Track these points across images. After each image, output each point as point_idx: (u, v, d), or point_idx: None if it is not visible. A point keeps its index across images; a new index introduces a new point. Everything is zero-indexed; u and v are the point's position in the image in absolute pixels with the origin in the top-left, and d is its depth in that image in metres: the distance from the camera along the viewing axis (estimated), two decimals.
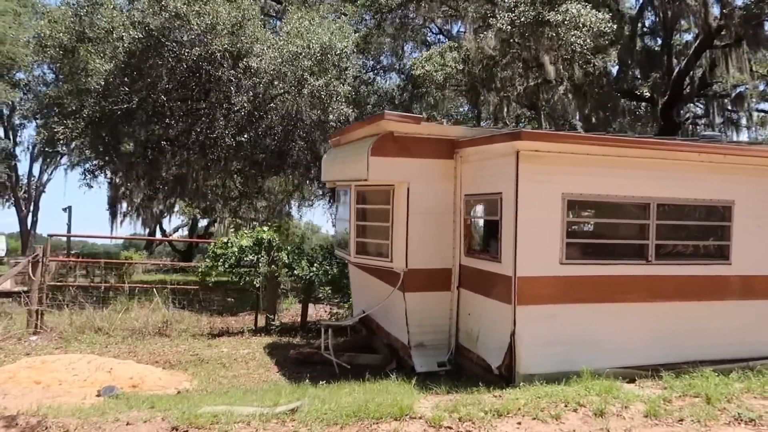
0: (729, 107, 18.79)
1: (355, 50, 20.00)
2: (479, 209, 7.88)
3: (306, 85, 16.67)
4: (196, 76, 17.83)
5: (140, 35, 16.09)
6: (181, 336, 11.39)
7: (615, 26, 13.82)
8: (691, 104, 22.10)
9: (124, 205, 27.75)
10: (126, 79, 17.29)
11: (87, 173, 18.67)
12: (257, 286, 11.81)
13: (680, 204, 7.32)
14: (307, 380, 7.63)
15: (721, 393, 6.15)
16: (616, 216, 7.33)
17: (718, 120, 21.28)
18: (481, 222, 8.05)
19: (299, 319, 12.50)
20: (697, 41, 18.47)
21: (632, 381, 6.75)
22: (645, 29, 18.82)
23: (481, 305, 7.40)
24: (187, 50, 16.58)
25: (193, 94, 18.09)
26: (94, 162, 18.47)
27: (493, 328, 7.04)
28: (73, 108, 17.34)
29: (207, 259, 12.12)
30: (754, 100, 18.82)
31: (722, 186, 7.42)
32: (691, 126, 21.42)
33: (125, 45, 16.24)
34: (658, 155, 7.03)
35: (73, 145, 18.54)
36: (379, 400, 5.53)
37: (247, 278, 11.82)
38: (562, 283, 6.77)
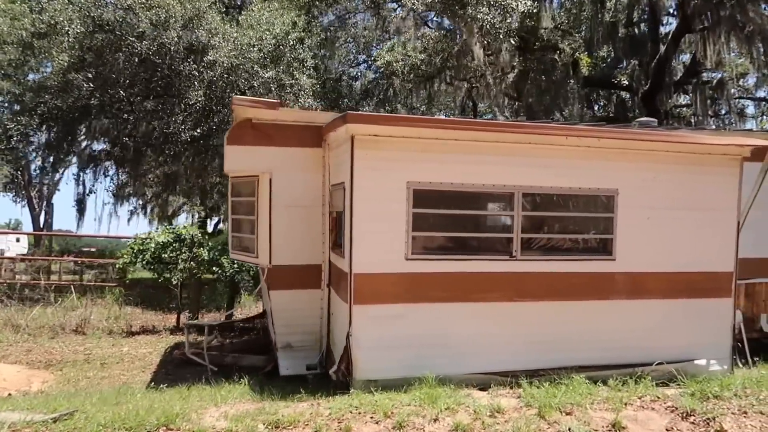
0: (713, 96, 17.66)
1: (320, 42, 19.57)
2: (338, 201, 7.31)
3: (256, 78, 16.24)
4: (157, 71, 17.60)
5: (91, 29, 15.88)
6: (95, 334, 11.11)
7: (535, 5, 12.84)
8: (684, 94, 20.97)
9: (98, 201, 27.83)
10: (82, 74, 17.15)
11: (41, 170, 18.60)
12: (174, 283, 11.42)
13: (553, 194, 6.61)
14: (165, 384, 7.22)
15: (568, 403, 5.49)
16: (478, 207, 6.66)
17: (722, 110, 20.21)
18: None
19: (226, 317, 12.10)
20: (675, 26, 17.48)
21: (485, 389, 6.11)
22: (619, 14, 17.81)
23: (337, 304, 6.86)
24: (139, 44, 16.33)
25: (152, 89, 17.86)
26: (50, 159, 18.37)
27: (341, 330, 6.49)
28: (32, 105, 17.29)
29: (125, 256, 11.79)
30: (735, 88, 17.66)
31: (603, 173, 6.70)
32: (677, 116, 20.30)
33: (79, 39, 16.07)
34: (521, 140, 6.35)
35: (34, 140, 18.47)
36: (163, 409, 5.04)
37: (166, 275, 11.45)
38: (410, 281, 6.17)
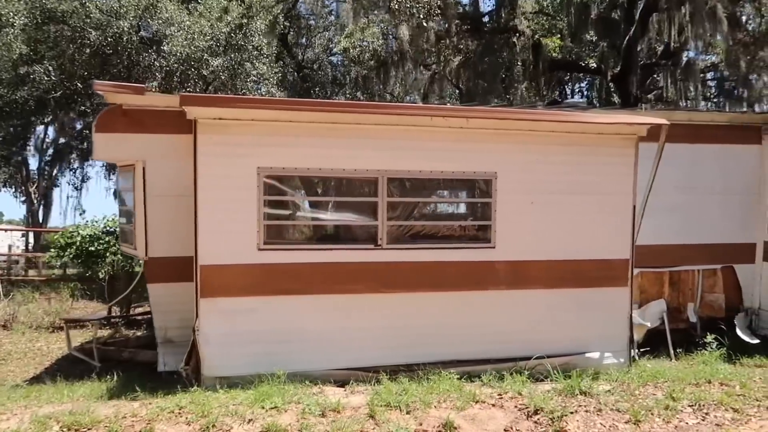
0: (683, 78, 17.00)
1: (286, 30, 19.20)
2: None
3: (205, 66, 15.93)
4: (115, 63, 17.37)
5: (40, 21, 15.68)
6: (19, 329, 10.93)
7: None
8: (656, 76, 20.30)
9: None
10: (42, 67, 16.96)
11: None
12: (102, 276, 11.20)
13: (424, 178, 6.23)
14: (46, 381, 7.04)
15: (415, 401, 5.14)
16: (340, 193, 6.30)
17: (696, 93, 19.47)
18: None
19: None
20: (642, 5, 16.84)
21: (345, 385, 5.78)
22: None
23: None
24: (93, 35, 16.10)
25: (107, 79, 17.64)
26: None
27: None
28: None
29: (52, 250, 11.59)
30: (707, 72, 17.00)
31: (480, 156, 6.29)
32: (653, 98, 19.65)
33: (27, 31, 15.88)
34: (384, 121, 5.97)
35: None
36: None
37: (94, 269, 11.24)
38: (263, 273, 5.84)
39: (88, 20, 15.77)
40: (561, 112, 7.06)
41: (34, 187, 28.43)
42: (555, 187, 6.49)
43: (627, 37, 17.63)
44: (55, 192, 29.01)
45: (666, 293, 8.77)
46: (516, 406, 5.11)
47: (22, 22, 15.34)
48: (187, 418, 4.74)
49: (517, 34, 15.53)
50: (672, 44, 15.49)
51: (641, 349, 7.93)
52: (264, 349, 5.82)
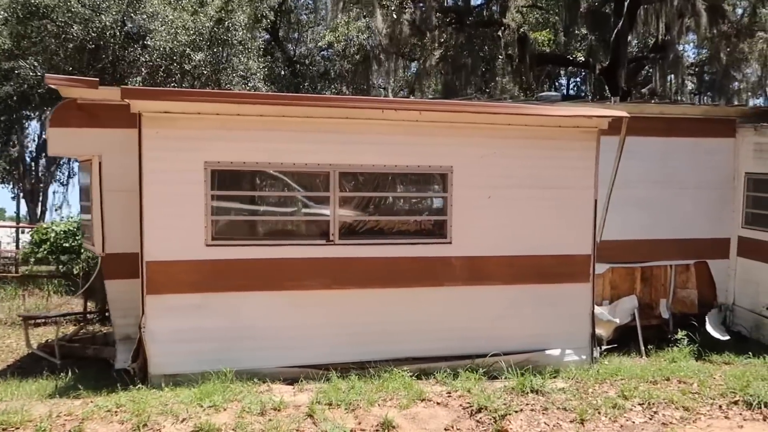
0: (668, 71, 16.81)
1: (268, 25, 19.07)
2: None
3: (187, 61, 15.82)
4: (101, 58, 17.27)
5: (21, 15, 15.60)
6: None
7: None
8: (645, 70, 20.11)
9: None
10: (28, 62, 16.90)
11: None
12: (76, 272, 11.13)
13: (378, 172, 6.12)
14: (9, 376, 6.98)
15: (359, 400, 5.04)
16: (290, 188, 6.19)
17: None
18: None
19: None
20: None
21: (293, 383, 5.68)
22: None
23: None
24: (76, 30, 16.01)
25: (95, 77, 17.54)
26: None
27: None
28: None
29: (27, 246, 11.53)
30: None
31: (435, 150, 6.18)
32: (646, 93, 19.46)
33: (9, 27, 15.80)
34: (335, 114, 5.86)
35: None
36: None
37: (68, 265, 11.17)
38: (211, 269, 5.75)
39: (69, 14, 15.68)
40: (519, 105, 6.94)
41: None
42: (514, 181, 6.37)
43: (615, 31, 17.50)
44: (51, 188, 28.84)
45: (638, 289, 8.65)
46: (461, 405, 5.01)
47: (2, 16, 15.25)
48: (121, 417, 4.65)
49: (503, 28, 15.36)
50: (659, 37, 15.29)
51: (610, 346, 7.85)
52: (213, 346, 5.73)
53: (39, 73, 17.10)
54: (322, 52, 23.48)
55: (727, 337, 8.07)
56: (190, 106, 5.59)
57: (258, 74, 18.85)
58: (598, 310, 7.80)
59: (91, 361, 7.80)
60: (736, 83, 14.18)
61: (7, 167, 37.78)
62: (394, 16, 11.95)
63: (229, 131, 5.71)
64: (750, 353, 7.35)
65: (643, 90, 20.10)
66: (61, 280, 13.26)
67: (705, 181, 8.73)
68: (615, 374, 6.18)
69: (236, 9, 16.23)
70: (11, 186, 40.89)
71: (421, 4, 11.95)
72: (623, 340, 8.59)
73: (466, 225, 6.26)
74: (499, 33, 15.21)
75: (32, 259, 11.34)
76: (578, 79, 23.42)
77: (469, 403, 5.04)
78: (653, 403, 5.10)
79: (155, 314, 5.64)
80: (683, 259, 8.74)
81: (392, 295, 6.15)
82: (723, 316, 8.90)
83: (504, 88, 14.22)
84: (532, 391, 5.42)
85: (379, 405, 5.01)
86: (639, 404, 5.13)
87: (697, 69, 17.76)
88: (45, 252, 11.05)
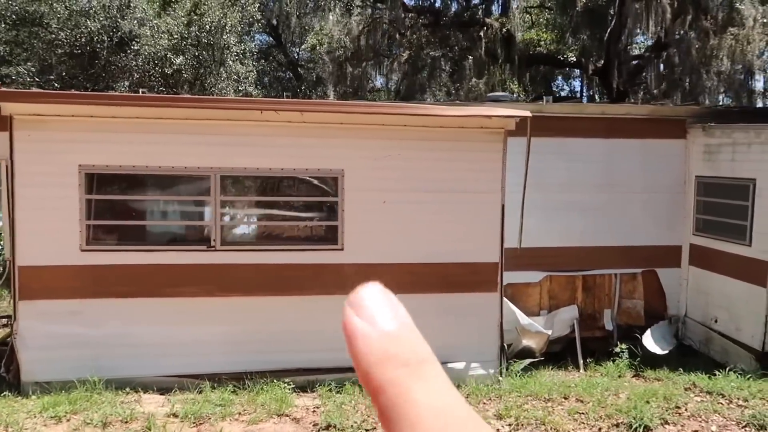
0: (663, 71, 16.10)
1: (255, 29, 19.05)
2: None
3: (168, 65, 15.92)
4: (91, 63, 17.57)
5: (10, 23, 15.96)
6: None
7: None
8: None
9: None
10: (22, 68, 17.27)
11: None
12: None
13: (263, 176, 5.91)
14: None
15: (216, 414, 4.84)
16: (171, 192, 6.01)
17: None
18: None
19: None
20: None
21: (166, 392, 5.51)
22: None
23: None
24: (65, 35, 16.32)
25: (83, 82, 17.84)
26: None
27: None
28: None
29: None
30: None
31: (325, 152, 5.92)
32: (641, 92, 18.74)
33: (2, 31, 16.20)
34: (215, 116, 5.67)
35: None
36: None
37: None
38: (87, 274, 5.63)
39: (54, 20, 15.97)
40: (414, 105, 6.64)
41: None
42: (413, 185, 6.07)
43: (609, 29, 16.91)
44: None
45: (579, 299, 8.20)
46: (313, 422, 4.75)
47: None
48: None
49: (485, 28, 14.97)
50: (650, 35, 14.67)
51: (536, 359, 7.45)
52: (90, 353, 5.60)
53: (38, 79, 17.50)
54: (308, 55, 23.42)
55: (665, 351, 7.56)
56: (63, 108, 5.48)
57: (249, 78, 18.91)
58: (525, 320, 7.43)
59: None
60: (708, 82, 13.47)
61: None
62: (354, 19, 11.69)
63: (105, 134, 5.58)
64: (681, 369, 6.87)
65: (643, 90, 19.38)
66: None
67: (655, 185, 8.23)
68: (519, 390, 5.84)
69: (210, 11, 16.18)
70: None
71: (391, 4, 11.68)
72: (564, 353, 8.18)
73: (360, 231, 5.99)
74: (481, 33, 14.80)
75: None
76: (579, 80, 22.75)
77: (324, 420, 4.78)
78: (522, 423, 4.75)
79: (27, 320, 5.54)
80: (629, 267, 8.24)
81: (280, 304, 5.92)
82: (675, 329, 8.37)
83: (470, 89, 13.82)
84: None
85: (229, 420, 4.79)
86: (508, 424, 4.78)
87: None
88: None
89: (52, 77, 17.36)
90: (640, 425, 4.65)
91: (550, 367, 7.72)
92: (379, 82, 18.09)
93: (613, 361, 7.52)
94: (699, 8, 12.44)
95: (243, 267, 5.85)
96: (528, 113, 5.90)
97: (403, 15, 12.74)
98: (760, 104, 17.76)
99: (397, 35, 13.24)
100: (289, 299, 5.94)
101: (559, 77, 20.03)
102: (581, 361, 7.84)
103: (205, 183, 5.77)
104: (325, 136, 5.90)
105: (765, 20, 11.24)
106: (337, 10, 13.87)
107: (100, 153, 5.59)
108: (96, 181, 5.64)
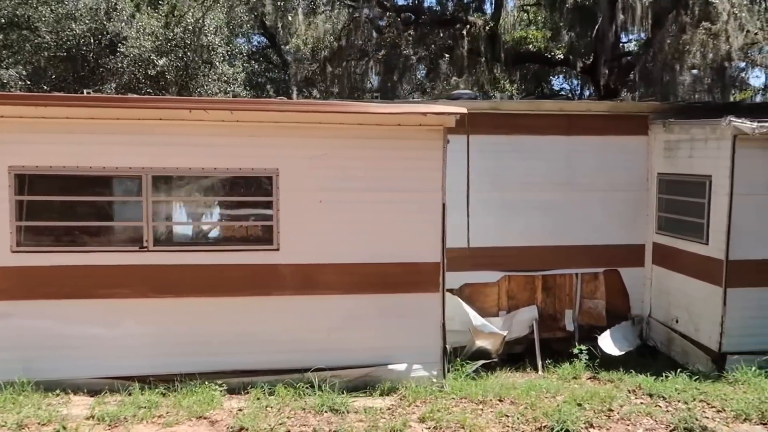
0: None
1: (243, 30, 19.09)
2: None
3: (152, 66, 15.96)
4: (82, 66, 17.68)
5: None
6: None
7: None
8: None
9: None
10: (15, 71, 17.45)
11: None
12: None
13: (196, 176, 5.85)
14: None
15: (137, 417, 4.79)
16: (102, 193, 5.95)
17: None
18: None
19: None
20: None
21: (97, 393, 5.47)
22: None
23: None
24: (52, 38, 16.46)
25: (72, 84, 17.97)
26: None
27: None
28: None
29: None
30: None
31: (258, 151, 5.85)
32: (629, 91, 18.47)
33: None
34: (144, 116, 5.63)
35: None
36: None
37: None
38: (17, 276, 5.60)
39: (41, 24, 16.09)
40: (347, 103, 6.55)
41: None
42: (351, 184, 5.97)
43: (597, 26, 16.69)
44: None
45: (539, 299, 8.07)
46: (227, 425, 4.67)
47: None
48: None
49: (468, 26, 14.84)
50: (639, 32, 14.47)
51: (489, 360, 7.35)
52: (19, 355, 5.57)
53: (29, 82, 17.65)
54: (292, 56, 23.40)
55: (623, 353, 7.41)
56: None
57: (237, 79, 18.93)
58: (479, 321, 7.32)
59: None
60: (681, 77, 13.24)
61: None
62: (324, 17, 11.63)
63: (35, 134, 5.56)
64: (633, 371, 6.72)
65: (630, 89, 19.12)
66: None
67: (617, 182, 8.08)
68: (457, 392, 5.73)
69: (189, 11, 16.17)
70: None
71: (364, 3, 11.61)
72: (525, 354, 8.06)
73: (296, 231, 5.91)
74: (464, 31, 14.67)
75: None
76: (576, 79, 22.50)
77: (237, 423, 4.70)
78: (440, 426, 4.64)
79: None
80: (591, 266, 8.10)
81: (215, 305, 5.86)
82: (639, 329, 8.20)
83: (446, 88, 13.69)
84: (330, 410, 5.05)
85: (146, 422, 4.73)
86: (427, 428, 4.68)
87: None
88: None
89: (42, 81, 17.53)
90: (562, 428, 4.52)
91: (508, 369, 7.62)
92: (368, 82, 18.01)
93: (571, 362, 7.39)
94: (679, 4, 12.21)
95: (176, 268, 5.80)
96: (464, 110, 5.79)
97: (379, 13, 12.67)
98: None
99: (374, 34, 13.15)
100: (223, 300, 5.87)
101: (559, 75, 19.80)
102: (540, 363, 7.72)
103: (137, 183, 5.72)
104: (259, 135, 5.83)
105: (741, 14, 11.01)
106: (301, 10, 13.82)
107: (30, 154, 5.56)
108: (27, 182, 5.61)
